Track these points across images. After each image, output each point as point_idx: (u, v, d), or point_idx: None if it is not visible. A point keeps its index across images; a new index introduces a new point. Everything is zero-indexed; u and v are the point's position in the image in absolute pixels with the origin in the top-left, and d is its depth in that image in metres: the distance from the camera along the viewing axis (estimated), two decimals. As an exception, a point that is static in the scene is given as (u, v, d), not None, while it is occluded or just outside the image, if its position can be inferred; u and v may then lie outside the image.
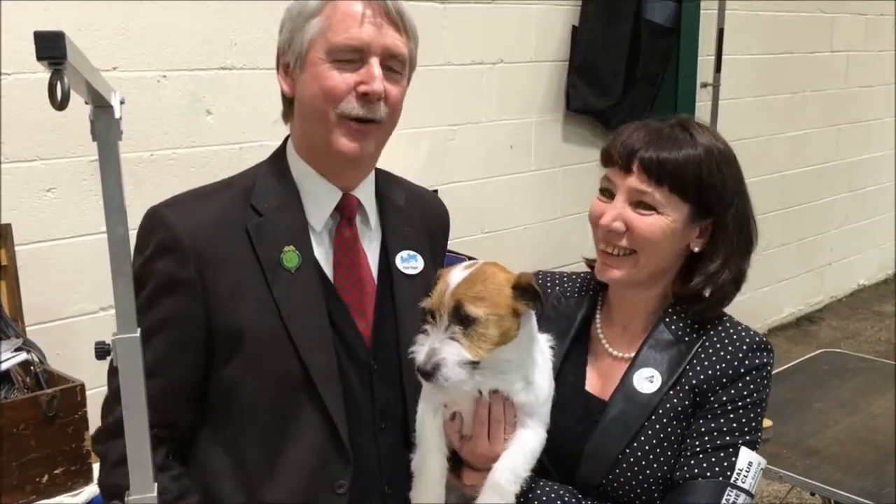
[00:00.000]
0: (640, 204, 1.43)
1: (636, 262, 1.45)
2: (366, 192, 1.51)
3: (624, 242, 1.44)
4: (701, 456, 1.40)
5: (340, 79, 1.38)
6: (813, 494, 2.69)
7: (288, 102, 1.47)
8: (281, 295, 1.39)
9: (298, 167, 1.47)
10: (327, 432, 1.40)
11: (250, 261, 1.40)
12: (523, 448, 1.35)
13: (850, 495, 2.29)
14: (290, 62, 1.42)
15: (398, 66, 1.43)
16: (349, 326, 1.46)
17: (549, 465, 1.45)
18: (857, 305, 6.11)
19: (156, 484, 1.07)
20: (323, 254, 1.47)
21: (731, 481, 1.38)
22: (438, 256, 1.65)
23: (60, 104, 0.78)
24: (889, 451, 2.51)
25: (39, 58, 0.76)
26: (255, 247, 1.40)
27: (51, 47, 0.76)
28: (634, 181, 1.43)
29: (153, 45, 2.64)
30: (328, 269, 1.47)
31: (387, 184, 1.57)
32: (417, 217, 1.59)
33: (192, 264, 1.37)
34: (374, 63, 1.39)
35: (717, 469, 1.39)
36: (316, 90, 1.39)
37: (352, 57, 1.38)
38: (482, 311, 1.27)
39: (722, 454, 1.39)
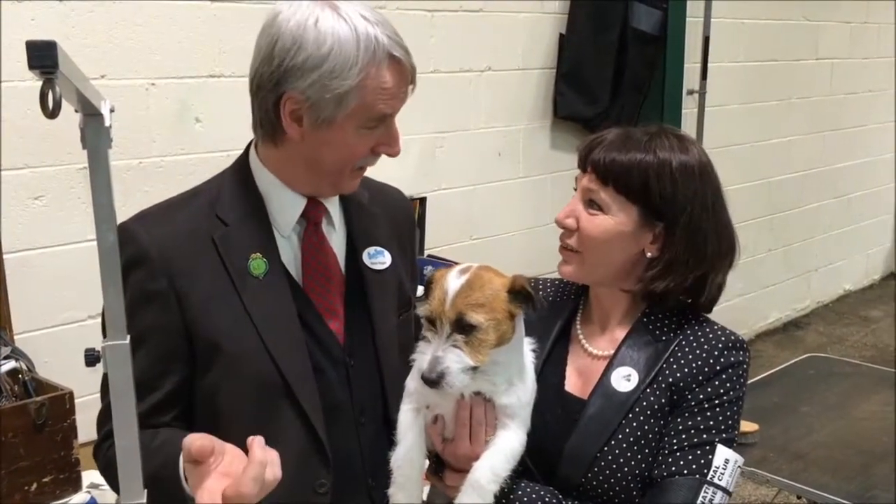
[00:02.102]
0: (591, 203, 1.48)
1: (582, 261, 1.49)
2: (330, 196, 1.53)
3: (572, 241, 1.49)
4: (678, 454, 1.41)
5: (365, 143, 1.41)
6: (799, 498, 2.71)
7: (276, 132, 1.42)
8: (251, 303, 1.41)
9: (263, 177, 1.48)
10: (306, 434, 1.42)
11: (219, 270, 1.41)
12: (503, 448, 1.37)
13: (837, 498, 2.30)
14: (302, 114, 1.37)
15: None
16: (321, 327, 1.47)
17: (532, 465, 1.47)
18: (843, 311, 6.15)
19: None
20: (291, 258, 1.48)
21: (708, 479, 1.39)
22: (406, 248, 1.67)
23: (52, 113, 0.79)
24: (875, 455, 2.53)
25: (31, 67, 0.77)
26: (223, 256, 1.41)
27: (43, 56, 0.76)
28: (586, 180, 1.48)
29: (141, 53, 2.65)
30: (296, 273, 1.48)
31: None
32: (381, 213, 1.61)
33: (163, 277, 1.38)
34: (395, 124, 1.43)
35: (693, 467, 1.40)
36: (345, 155, 1.41)
37: (378, 122, 1.40)
38: (482, 317, 1.29)
39: (698, 452, 1.41)
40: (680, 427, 1.43)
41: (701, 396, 1.44)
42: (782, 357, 4.75)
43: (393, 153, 1.45)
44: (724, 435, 1.43)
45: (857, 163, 6.17)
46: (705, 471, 1.40)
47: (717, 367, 1.45)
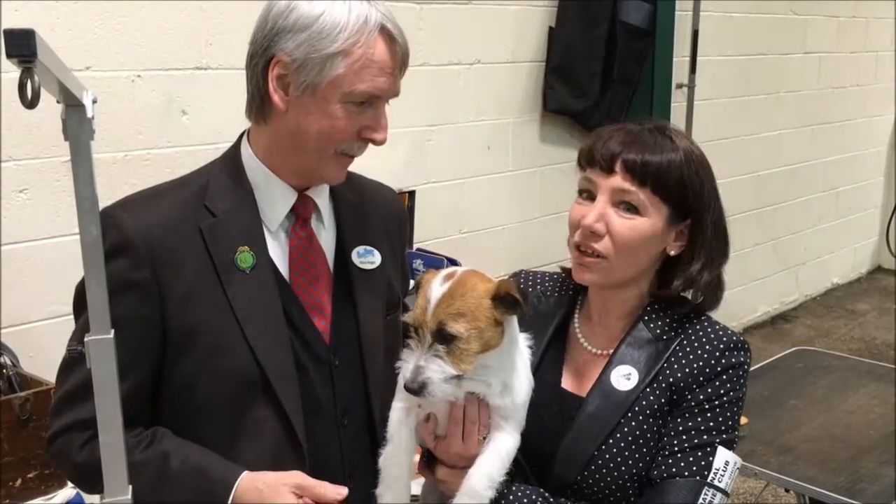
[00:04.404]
0: (622, 204, 1.42)
1: (609, 267, 1.44)
2: (321, 192, 1.51)
3: (600, 246, 1.43)
4: (678, 455, 1.40)
5: (350, 122, 1.39)
6: (787, 491, 2.72)
7: (266, 105, 1.42)
8: (235, 296, 1.39)
9: (254, 167, 1.46)
10: (284, 432, 1.41)
11: (204, 262, 1.39)
12: (498, 452, 1.36)
13: (825, 491, 2.31)
14: (290, 80, 1.37)
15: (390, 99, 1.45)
16: (307, 324, 1.46)
17: (525, 463, 1.46)
18: (831, 304, 6.18)
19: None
20: (278, 253, 1.46)
21: (708, 480, 1.38)
22: (397, 250, 1.65)
23: (31, 102, 0.77)
24: (862, 448, 2.54)
25: (9, 55, 0.76)
26: (209, 247, 1.39)
27: (20, 45, 0.75)
28: (618, 181, 1.42)
29: (127, 44, 2.62)
30: (284, 268, 1.46)
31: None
32: (373, 212, 1.59)
33: (147, 266, 1.36)
34: (384, 110, 1.41)
35: (693, 468, 1.39)
36: (325, 128, 1.38)
37: (365, 100, 1.38)
38: (463, 327, 1.27)
39: (699, 453, 1.40)
40: (680, 428, 1.41)
41: (701, 397, 1.42)
42: (770, 350, 4.76)
43: (379, 140, 1.43)
44: (724, 436, 1.42)
45: (845, 157, 6.20)
46: (706, 472, 1.39)
47: (718, 368, 1.44)
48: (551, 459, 1.45)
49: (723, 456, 1.40)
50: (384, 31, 1.37)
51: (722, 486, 1.39)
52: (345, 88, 1.36)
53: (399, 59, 1.40)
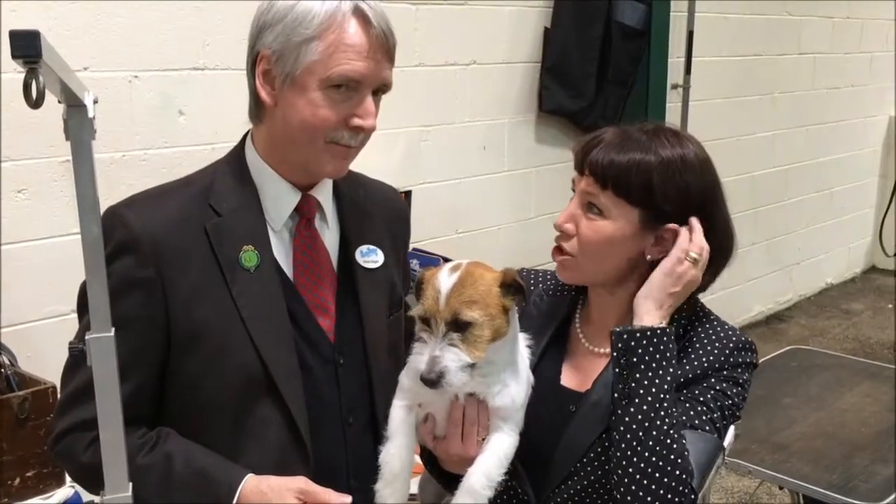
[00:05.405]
0: (590, 207, 1.43)
1: (578, 265, 1.46)
2: (324, 192, 1.52)
3: (569, 245, 1.45)
4: (699, 414, 1.40)
5: (334, 110, 1.38)
6: (781, 488, 2.74)
7: (258, 104, 1.44)
8: (240, 295, 1.40)
9: (258, 167, 1.47)
10: (288, 432, 1.41)
11: (209, 261, 1.40)
12: (497, 453, 1.38)
13: (818, 489, 2.33)
14: (274, 74, 1.38)
15: (383, 91, 1.45)
16: (311, 324, 1.47)
17: (525, 456, 1.45)
18: (825, 304, 6.20)
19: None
20: (282, 252, 1.47)
21: (724, 445, 1.43)
22: (400, 249, 1.66)
23: (36, 103, 0.78)
24: (855, 446, 2.56)
25: (14, 56, 0.76)
26: (214, 247, 1.40)
27: (26, 46, 0.76)
28: (583, 183, 1.44)
29: (124, 45, 2.63)
30: (288, 268, 1.47)
31: (344, 180, 1.56)
32: (376, 211, 1.60)
33: (152, 265, 1.37)
34: (369, 97, 1.41)
35: (709, 428, 1.40)
36: (307, 117, 1.38)
37: (346, 84, 1.38)
38: (477, 313, 1.29)
39: (717, 415, 1.41)
40: (701, 398, 1.42)
41: (712, 380, 1.44)
42: (765, 350, 4.75)
43: (367, 127, 1.41)
44: (731, 410, 1.44)
45: (840, 157, 6.22)
46: (722, 438, 1.42)
47: (727, 365, 1.46)
48: (552, 450, 1.46)
49: (731, 432, 1.43)
50: (359, 14, 1.36)
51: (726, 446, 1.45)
52: (320, 74, 1.36)
53: (377, 42, 1.38)
